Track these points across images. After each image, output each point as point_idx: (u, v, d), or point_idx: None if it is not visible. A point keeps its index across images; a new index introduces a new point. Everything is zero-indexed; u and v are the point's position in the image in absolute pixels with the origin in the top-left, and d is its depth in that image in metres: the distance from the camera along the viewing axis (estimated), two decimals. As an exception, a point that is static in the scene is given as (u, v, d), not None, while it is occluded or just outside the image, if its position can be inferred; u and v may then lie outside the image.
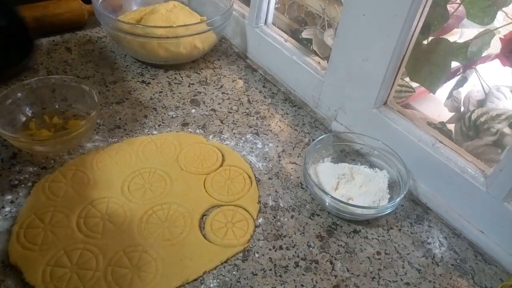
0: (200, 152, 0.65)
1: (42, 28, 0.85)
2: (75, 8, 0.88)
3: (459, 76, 0.73)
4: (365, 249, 0.56)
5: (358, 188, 0.60)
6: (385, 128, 0.64)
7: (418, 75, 0.69)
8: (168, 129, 0.70)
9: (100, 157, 0.62)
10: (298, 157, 0.68)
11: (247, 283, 0.50)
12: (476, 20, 0.67)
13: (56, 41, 0.87)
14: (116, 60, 0.84)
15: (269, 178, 0.63)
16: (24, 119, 0.65)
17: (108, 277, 0.48)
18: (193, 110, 0.74)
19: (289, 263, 0.53)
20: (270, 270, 0.52)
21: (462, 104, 0.74)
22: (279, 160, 0.67)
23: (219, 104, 0.76)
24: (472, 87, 0.74)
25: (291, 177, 0.64)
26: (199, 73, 0.83)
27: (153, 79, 0.80)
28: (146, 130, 0.69)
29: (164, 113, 0.72)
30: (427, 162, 0.60)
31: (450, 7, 0.66)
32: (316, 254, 0.54)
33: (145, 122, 0.70)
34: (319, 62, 0.76)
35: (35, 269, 0.48)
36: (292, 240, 0.55)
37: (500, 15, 0.65)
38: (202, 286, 0.49)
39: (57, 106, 0.68)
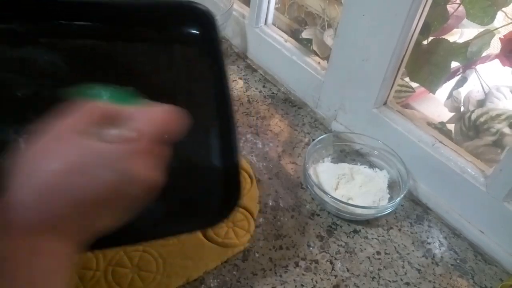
0: (200, 152, 0.65)
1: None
2: (75, 8, 0.88)
3: (459, 76, 0.73)
4: (365, 249, 0.56)
5: (358, 188, 0.61)
6: (385, 128, 0.64)
7: (418, 75, 0.69)
8: (168, 129, 0.70)
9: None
10: (298, 157, 0.68)
11: (247, 283, 0.50)
12: (476, 20, 0.67)
13: (56, 41, 0.86)
14: (116, 60, 0.84)
15: (269, 178, 0.63)
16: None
17: (109, 277, 0.48)
18: (193, 110, 0.74)
19: (289, 263, 0.53)
20: (270, 270, 0.52)
21: (462, 104, 0.74)
22: (279, 160, 0.67)
23: (219, 104, 0.76)
24: (472, 87, 0.74)
25: (291, 177, 0.64)
26: (199, 73, 0.83)
27: (153, 79, 0.80)
28: (146, 130, 0.69)
29: (164, 113, 0.72)
30: (427, 162, 0.60)
31: (450, 7, 0.66)
32: (316, 254, 0.54)
33: (145, 122, 0.70)
34: (319, 62, 0.76)
35: (35, 269, 0.48)
36: (292, 240, 0.55)
37: (500, 15, 0.65)
38: (203, 286, 0.49)
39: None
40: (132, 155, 0.29)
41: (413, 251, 0.56)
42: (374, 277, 0.53)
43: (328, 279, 0.52)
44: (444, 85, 0.72)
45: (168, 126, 0.31)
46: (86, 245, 0.29)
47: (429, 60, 0.67)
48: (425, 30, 0.64)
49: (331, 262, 0.54)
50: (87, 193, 0.27)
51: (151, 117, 0.30)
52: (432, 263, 0.55)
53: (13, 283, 0.24)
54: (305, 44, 0.82)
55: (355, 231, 0.58)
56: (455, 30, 0.71)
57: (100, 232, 0.29)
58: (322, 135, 0.66)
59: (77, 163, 0.27)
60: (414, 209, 0.62)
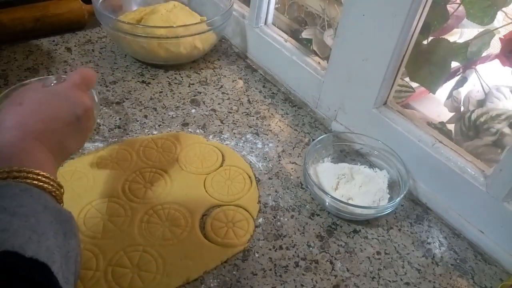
0: (200, 152, 0.65)
1: (42, 28, 0.85)
2: (75, 8, 0.88)
3: (459, 76, 0.73)
4: (365, 249, 0.56)
5: (358, 188, 0.61)
6: (385, 128, 0.64)
7: (418, 75, 0.69)
8: (168, 129, 0.70)
9: (100, 157, 0.62)
10: (298, 157, 0.68)
11: (247, 283, 0.50)
12: (476, 20, 0.67)
13: (56, 41, 0.87)
14: (116, 60, 0.84)
15: (269, 178, 0.63)
16: (24, 119, 0.65)
17: (108, 277, 0.48)
18: (193, 110, 0.74)
19: (289, 263, 0.53)
20: (270, 270, 0.52)
21: (462, 104, 0.74)
22: (279, 160, 0.67)
23: (219, 104, 0.76)
24: (472, 87, 0.73)
25: (291, 177, 0.64)
26: (199, 73, 0.83)
27: (153, 79, 0.80)
28: (146, 130, 0.69)
29: (164, 113, 0.73)
30: (427, 162, 0.60)
31: (450, 7, 0.66)
32: (316, 254, 0.54)
33: (145, 122, 0.70)
34: (319, 62, 0.76)
35: (36, 269, 0.48)
36: (292, 240, 0.55)
37: (500, 15, 0.65)
38: (202, 286, 0.49)
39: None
40: (74, 91, 0.47)
41: (413, 251, 0.56)
42: (374, 277, 0.53)
43: (328, 279, 0.52)
44: (444, 85, 0.72)
45: (87, 76, 0.51)
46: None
47: (429, 60, 0.67)
48: (425, 30, 0.64)
49: (331, 262, 0.54)
50: (54, 114, 0.43)
51: (78, 72, 0.50)
52: (432, 263, 0.55)
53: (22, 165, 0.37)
54: (305, 44, 0.82)
55: (355, 231, 0.58)
56: (455, 30, 0.70)
57: (71, 151, 0.47)
58: (322, 135, 0.66)
59: (43, 98, 0.44)
60: (414, 209, 0.62)
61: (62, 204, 0.40)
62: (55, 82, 0.50)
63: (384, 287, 0.52)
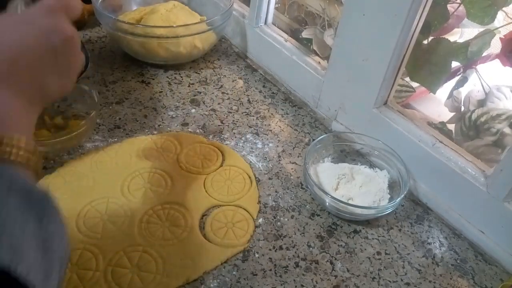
0: (200, 152, 0.65)
1: (42, 28, 0.85)
2: (75, 8, 0.88)
3: (459, 76, 0.73)
4: (365, 249, 0.56)
5: (358, 188, 0.60)
6: (385, 128, 0.64)
7: (418, 75, 0.69)
8: (168, 129, 0.70)
9: (100, 157, 0.62)
10: (298, 157, 0.68)
11: (247, 283, 0.50)
12: (476, 20, 0.67)
13: (56, 41, 0.86)
14: (116, 60, 0.84)
15: (269, 178, 0.63)
16: (24, 119, 0.65)
17: (108, 277, 0.48)
18: (193, 110, 0.74)
19: (289, 263, 0.53)
20: (270, 270, 0.52)
21: (462, 104, 0.74)
22: (279, 160, 0.67)
23: (219, 104, 0.76)
24: (473, 87, 0.73)
25: (291, 177, 0.64)
26: (199, 73, 0.83)
27: (153, 79, 0.80)
28: (146, 130, 0.69)
29: (164, 113, 0.72)
30: (427, 162, 0.60)
31: (450, 7, 0.66)
32: (316, 254, 0.54)
33: (145, 122, 0.70)
34: (319, 62, 0.76)
35: (35, 269, 0.48)
36: (292, 240, 0.55)
37: (500, 15, 0.65)
38: (202, 286, 0.49)
39: (57, 106, 0.68)
40: (48, 16, 0.36)
41: (413, 251, 0.56)
42: (374, 278, 0.53)
43: (328, 280, 0.52)
44: (445, 85, 0.72)
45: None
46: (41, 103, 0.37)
47: (429, 60, 0.67)
48: (426, 29, 0.64)
49: (331, 263, 0.54)
50: (22, 46, 0.34)
51: None
52: (433, 263, 0.55)
53: None
54: (305, 44, 0.82)
55: (355, 231, 0.58)
56: (455, 29, 0.70)
57: (52, 94, 0.37)
58: (322, 135, 0.66)
59: (6, 26, 0.34)
60: (414, 209, 0.62)
61: (38, 173, 0.33)
62: (22, 7, 0.40)
63: (384, 287, 0.52)
